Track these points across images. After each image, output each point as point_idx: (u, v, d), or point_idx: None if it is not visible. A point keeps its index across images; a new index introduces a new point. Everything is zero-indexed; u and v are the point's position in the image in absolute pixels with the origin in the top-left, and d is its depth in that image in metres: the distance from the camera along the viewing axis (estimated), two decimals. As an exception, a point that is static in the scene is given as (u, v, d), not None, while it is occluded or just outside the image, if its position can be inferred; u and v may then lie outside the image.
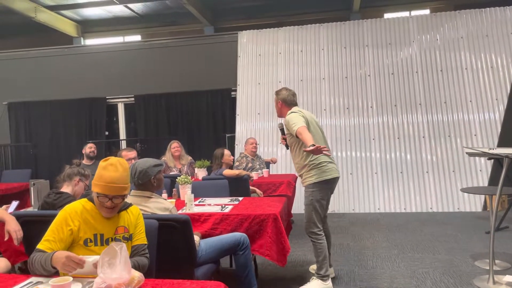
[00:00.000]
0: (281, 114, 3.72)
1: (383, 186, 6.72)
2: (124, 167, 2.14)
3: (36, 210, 3.36)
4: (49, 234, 2.03)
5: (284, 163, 7.11)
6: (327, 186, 3.48)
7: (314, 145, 3.04)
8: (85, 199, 2.18)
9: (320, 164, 3.44)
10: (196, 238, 2.84)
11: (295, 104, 3.68)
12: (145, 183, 2.79)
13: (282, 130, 3.68)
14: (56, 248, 2.00)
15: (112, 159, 2.14)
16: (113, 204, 2.09)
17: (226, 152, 5.17)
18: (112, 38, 12.43)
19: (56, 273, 1.90)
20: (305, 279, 3.78)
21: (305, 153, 3.40)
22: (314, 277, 3.50)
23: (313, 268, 3.93)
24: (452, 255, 4.28)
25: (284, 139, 3.65)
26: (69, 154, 7.89)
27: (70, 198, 3.07)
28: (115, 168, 2.09)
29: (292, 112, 3.52)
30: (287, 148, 3.67)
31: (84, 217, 2.10)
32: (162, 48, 8.26)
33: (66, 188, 3.18)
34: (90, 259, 1.83)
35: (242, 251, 2.98)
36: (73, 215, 2.08)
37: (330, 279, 3.48)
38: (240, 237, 3.02)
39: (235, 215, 3.30)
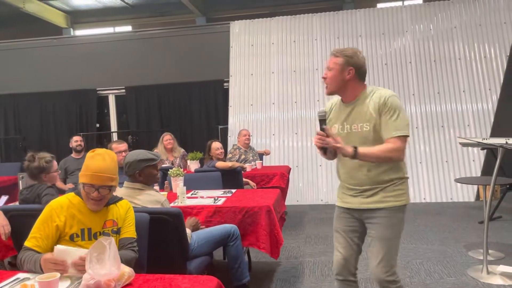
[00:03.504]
0: (341, 89, 2.25)
1: (377, 177, 6.70)
2: (111, 158, 2.09)
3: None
4: (35, 231, 2.00)
5: (277, 154, 7.07)
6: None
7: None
8: (72, 194, 2.13)
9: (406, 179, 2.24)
10: (188, 231, 2.81)
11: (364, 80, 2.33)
12: (131, 176, 2.75)
13: (324, 121, 2.13)
14: (43, 245, 1.97)
15: (99, 150, 2.11)
16: (99, 196, 2.03)
17: (214, 145, 5.05)
18: (102, 28, 12.29)
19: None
20: (299, 271, 3.76)
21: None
22: None
23: None
24: (446, 246, 4.28)
25: (322, 136, 2.03)
26: (59, 147, 7.79)
27: (43, 186, 3.01)
28: (102, 158, 2.06)
29: (393, 96, 2.17)
30: (325, 153, 2.09)
31: (70, 211, 2.05)
32: (153, 39, 8.15)
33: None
34: (79, 252, 1.78)
35: (232, 242, 2.96)
36: (58, 211, 2.04)
37: None
38: (230, 228, 3.00)
39: (228, 207, 3.27)
